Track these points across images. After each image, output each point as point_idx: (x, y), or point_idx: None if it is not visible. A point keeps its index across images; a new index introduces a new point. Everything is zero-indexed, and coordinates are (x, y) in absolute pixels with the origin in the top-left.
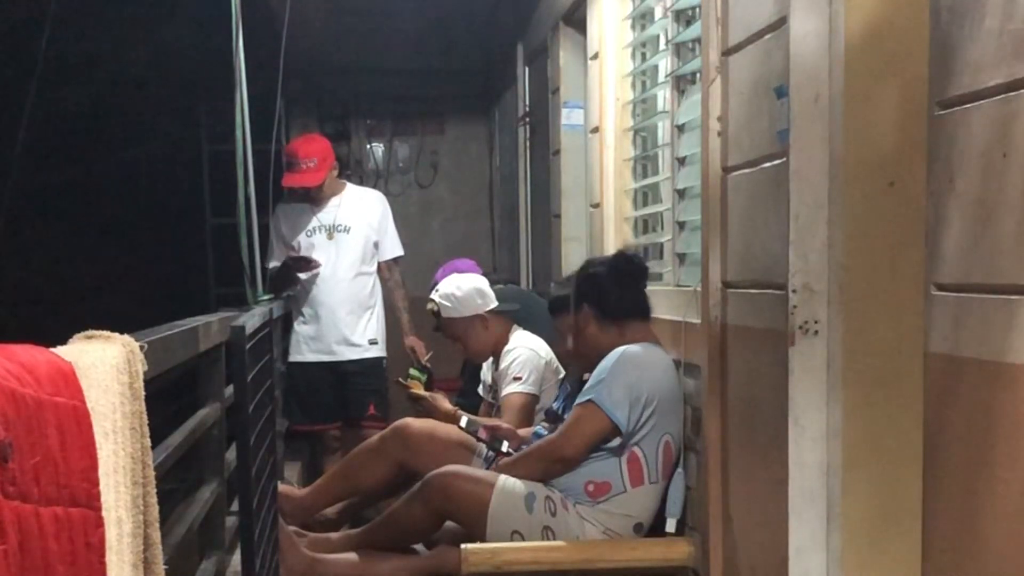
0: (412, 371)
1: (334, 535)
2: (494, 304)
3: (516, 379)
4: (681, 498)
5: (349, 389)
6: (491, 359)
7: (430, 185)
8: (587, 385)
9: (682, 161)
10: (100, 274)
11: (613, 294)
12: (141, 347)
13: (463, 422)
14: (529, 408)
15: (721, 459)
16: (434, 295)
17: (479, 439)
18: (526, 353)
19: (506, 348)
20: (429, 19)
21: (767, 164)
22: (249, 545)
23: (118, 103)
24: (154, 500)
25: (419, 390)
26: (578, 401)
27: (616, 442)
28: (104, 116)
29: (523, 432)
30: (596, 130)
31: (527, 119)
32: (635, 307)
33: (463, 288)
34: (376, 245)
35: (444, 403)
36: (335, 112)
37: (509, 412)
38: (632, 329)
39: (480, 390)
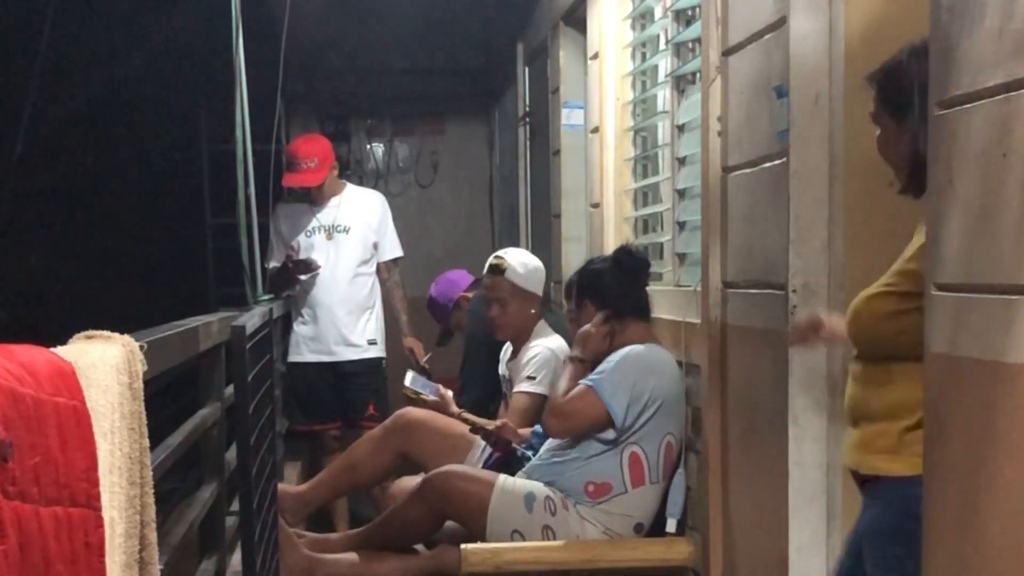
0: (411, 372)
1: (333, 535)
2: (540, 295)
3: (530, 378)
4: (681, 498)
5: (348, 389)
6: (508, 351)
7: (430, 185)
8: (593, 372)
9: (682, 161)
10: (100, 274)
11: (614, 290)
12: (141, 347)
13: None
14: (536, 409)
15: (721, 459)
16: (504, 254)
17: (484, 439)
18: (546, 353)
19: (528, 344)
20: (429, 19)
21: (767, 164)
22: (249, 545)
23: (118, 103)
24: (151, 500)
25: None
26: (580, 383)
27: (610, 434)
28: (104, 116)
29: (523, 432)
30: (596, 130)
31: (527, 119)
32: (636, 305)
33: (534, 264)
34: (375, 246)
35: (452, 406)
36: (335, 112)
37: (515, 411)
38: (633, 328)
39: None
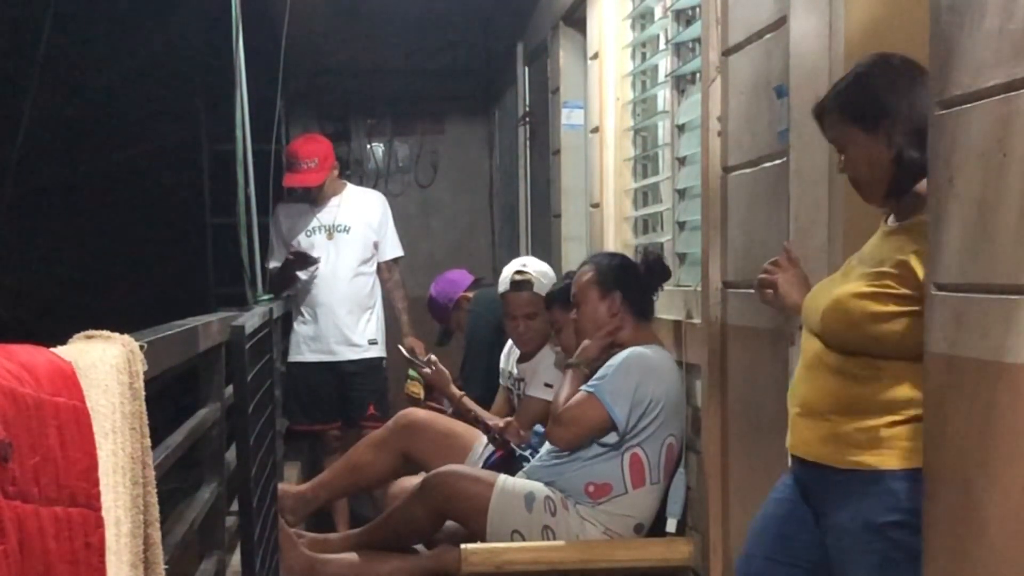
0: (411, 372)
1: (333, 536)
2: None
3: (547, 385)
4: (682, 498)
5: (349, 389)
6: (510, 348)
7: (430, 185)
8: (593, 377)
9: (682, 161)
10: (100, 274)
11: (643, 291)
12: (141, 347)
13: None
14: (546, 414)
15: (721, 459)
16: (526, 268)
17: (485, 432)
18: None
19: (547, 349)
20: (429, 19)
21: (767, 164)
22: (249, 545)
23: (118, 103)
24: (154, 500)
25: (418, 390)
26: (581, 389)
27: (613, 439)
28: (104, 116)
29: (525, 434)
30: (596, 130)
31: (527, 119)
32: (650, 309)
33: (550, 270)
34: (376, 245)
35: (451, 385)
36: (335, 112)
37: (527, 413)
38: (640, 329)
39: (500, 379)
